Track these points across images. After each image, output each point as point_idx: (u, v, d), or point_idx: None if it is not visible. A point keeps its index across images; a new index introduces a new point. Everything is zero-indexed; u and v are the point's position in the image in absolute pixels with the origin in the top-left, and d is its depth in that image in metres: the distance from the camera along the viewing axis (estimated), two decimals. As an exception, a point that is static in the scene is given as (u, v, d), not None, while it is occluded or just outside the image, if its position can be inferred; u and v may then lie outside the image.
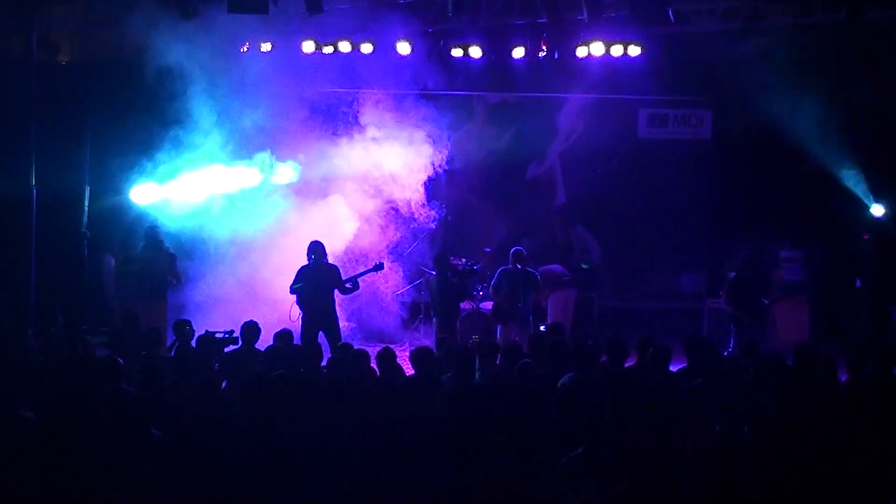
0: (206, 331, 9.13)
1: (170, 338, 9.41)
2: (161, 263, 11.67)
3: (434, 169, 13.45)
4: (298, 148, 13.04)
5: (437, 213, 13.61)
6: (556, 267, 13.31)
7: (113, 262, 12.85)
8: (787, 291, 13.31)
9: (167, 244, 11.93)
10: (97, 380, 7.20)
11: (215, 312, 12.06)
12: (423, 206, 13.44)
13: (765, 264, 12.26)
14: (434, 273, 11.89)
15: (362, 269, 11.68)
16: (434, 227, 13.72)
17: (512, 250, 11.63)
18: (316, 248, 10.85)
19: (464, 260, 12.88)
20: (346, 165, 13.17)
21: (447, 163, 13.69)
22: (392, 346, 8.80)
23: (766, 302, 11.31)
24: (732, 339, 11.18)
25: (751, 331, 10.93)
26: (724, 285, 11.46)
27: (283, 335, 8.78)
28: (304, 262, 10.88)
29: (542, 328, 11.38)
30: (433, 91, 13.37)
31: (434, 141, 13.43)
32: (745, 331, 10.99)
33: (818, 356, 7.60)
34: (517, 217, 14.82)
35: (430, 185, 13.53)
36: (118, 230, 13.24)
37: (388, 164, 13.22)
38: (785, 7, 12.24)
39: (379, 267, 11.71)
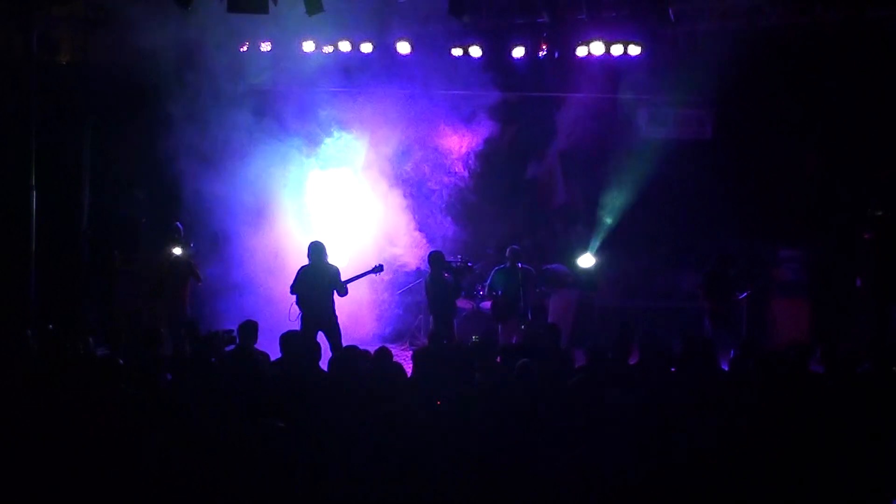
0: (208, 330, 9.15)
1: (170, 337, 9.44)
2: (169, 262, 11.70)
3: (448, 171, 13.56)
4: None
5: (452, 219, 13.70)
6: (558, 266, 13.32)
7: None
8: (776, 288, 13.38)
9: (191, 243, 11.98)
10: (97, 380, 7.19)
11: (216, 312, 12.13)
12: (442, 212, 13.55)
13: (739, 261, 12.32)
14: (428, 271, 11.84)
15: (362, 272, 11.65)
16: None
17: (508, 249, 11.64)
18: (316, 248, 10.84)
19: (459, 257, 12.87)
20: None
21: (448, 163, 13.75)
22: (391, 346, 8.80)
23: (741, 296, 11.40)
24: (709, 334, 11.31)
25: (730, 328, 11.21)
26: (701, 279, 11.65)
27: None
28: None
29: (521, 327, 11.35)
30: (433, 91, 13.39)
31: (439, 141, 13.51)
32: (721, 325, 11.13)
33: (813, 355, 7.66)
34: (517, 217, 14.82)
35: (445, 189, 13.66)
36: (120, 230, 13.29)
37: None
38: (785, 7, 12.25)
39: (379, 269, 11.68)
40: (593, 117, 14.47)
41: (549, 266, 13.13)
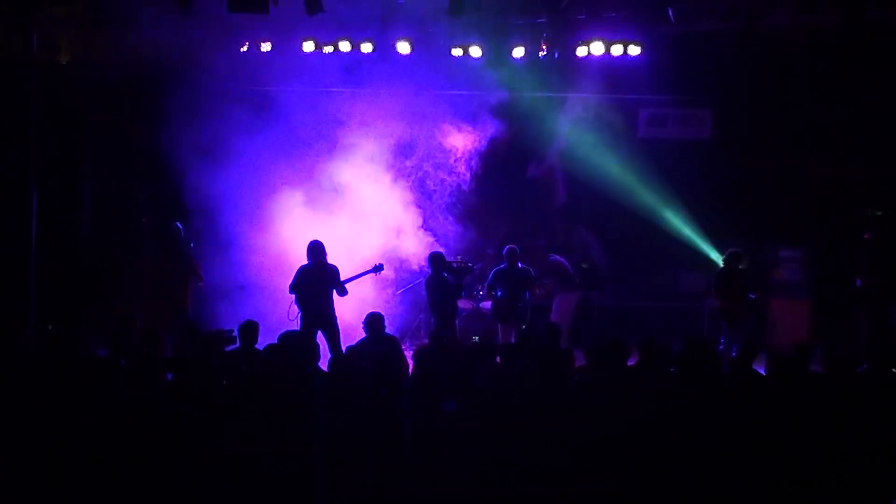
0: (208, 330, 9.15)
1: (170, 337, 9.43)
2: (171, 263, 11.69)
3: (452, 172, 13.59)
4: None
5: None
6: (563, 260, 13.34)
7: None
8: (776, 288, 13.37)
9: (191, 243, 12.00)
10: (97, 380, 7.19)
11: (218, 312, 12.13)
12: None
13: (751, 259, 12.31)
14: (429, 271, 11.83)
15: (361, 271, 11.64)
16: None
17: (505, 249, 11.64)
18: (315, 248, 10.85)
19: (459, 257, 12.87)
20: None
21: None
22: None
23: (753, 296, 11.38)
24: (724, 335, 11.30)
25: (742, 326, 11.15)
26: (713, 279, 11.63)
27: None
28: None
29: (522, 327, 11.35)
30: (434, 91, 13.39)
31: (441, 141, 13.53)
32: (737, 325, 11.12)
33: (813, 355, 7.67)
34: (517, 217, 14.81)
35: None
36: (120, 229, 13.29)
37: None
38: (785, 7, 12.24)
39: (378, 268, 11.69)
40: (593, 117, 14.47)
41: (556, 258, 13.19)
